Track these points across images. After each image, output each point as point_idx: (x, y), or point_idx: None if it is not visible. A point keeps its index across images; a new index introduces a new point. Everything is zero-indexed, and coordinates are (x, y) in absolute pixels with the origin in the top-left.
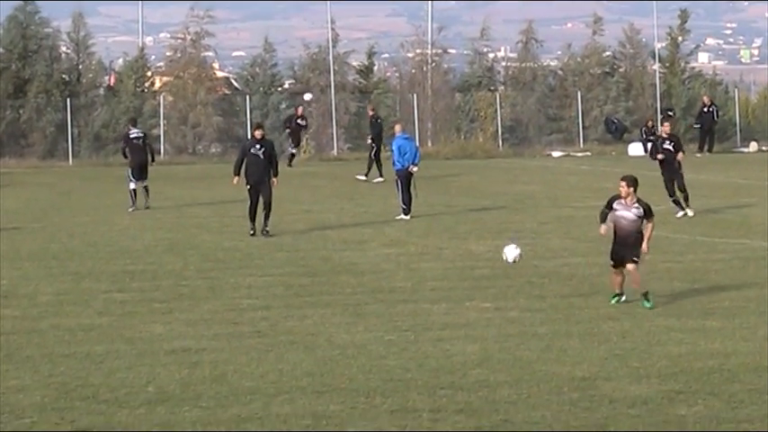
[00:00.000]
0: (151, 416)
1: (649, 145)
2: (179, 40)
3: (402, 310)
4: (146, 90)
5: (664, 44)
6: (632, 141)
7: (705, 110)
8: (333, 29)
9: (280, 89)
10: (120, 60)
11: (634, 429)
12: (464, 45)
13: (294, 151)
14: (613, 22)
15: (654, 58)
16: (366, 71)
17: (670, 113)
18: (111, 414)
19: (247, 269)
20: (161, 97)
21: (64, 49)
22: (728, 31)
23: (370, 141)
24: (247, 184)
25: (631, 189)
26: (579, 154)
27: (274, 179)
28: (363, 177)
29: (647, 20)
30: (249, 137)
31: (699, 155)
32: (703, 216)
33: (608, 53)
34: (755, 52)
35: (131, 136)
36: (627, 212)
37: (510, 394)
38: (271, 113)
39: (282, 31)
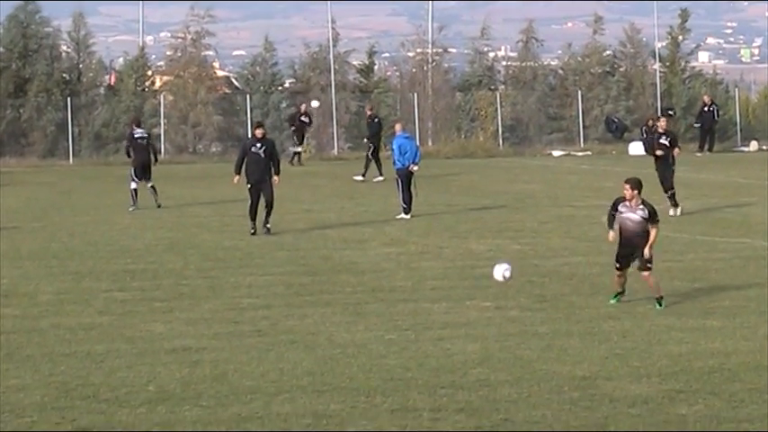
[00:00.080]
0: (152, 415)
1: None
2: (179, 40)
3: (402, 310)
4: (146, 89)
5: (664, 43)
6: (633, 140)
7: (705, 109)
8: (333, 28)
9: (280, 88)
10: (121, 60)
11: (634, 429)
12: (464, 44)
13: (299, 150)
14: (614, 21)
15: (654, 57)
16: (366, 70)
17: (670, 113)
18: (111, 413)
19: (248, 268)
20: (161, 96)
21: (64, 48)
22: (729, 31)
23: (365, 141)
24: (248, 183)
25: (636, 192)
26: (580, 153)
27: (276, 178)
28: (360, 178)
29: (647, 19)
30: (250, 136)
31: (699, 154)
32: (704, 215)
33: (608, 52)
34: (756, 51)
35: (135, 136)
36: (632, 214)
37: (510, 393)
38: (271, 113)
39: (283, 31)
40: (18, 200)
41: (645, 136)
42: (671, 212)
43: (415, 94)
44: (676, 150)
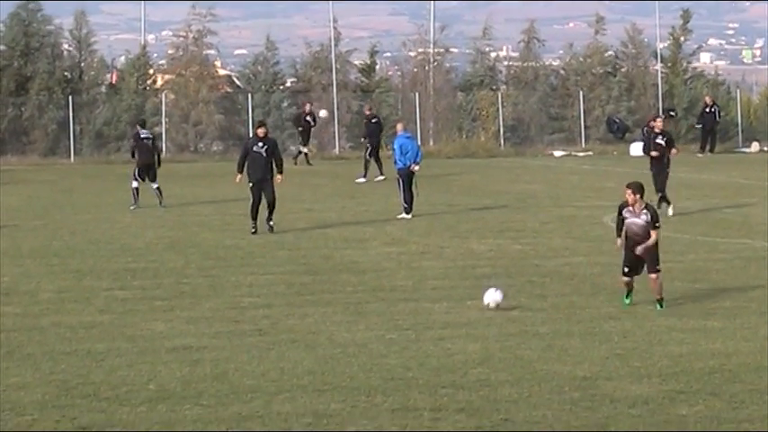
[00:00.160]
0: (152, 414)
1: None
2: (181, 38)
3: (403, 309)
4: (148, 88)
5: (666, 44)
6: (634, 141)
7: (707, 110)
8: (335, 27)
9: (281, 87)
10: (123, 58)
11: (635, 429)
12: (466, 44)
13: (305, 150)
14: (615, 21)
15: (656, 57)
16: (368, 70)
17: (672, 113)
18: (111, 412)
19: (249, 267)
20: (163, 95)
21: (66, 46)
22: (730, 32)
23: (362, 141)
24: (250, 181)
25: (638, 196)
26: (581, 153)
27: (279, 176)
28: (363, 180)
29: (649, 20)
30: (251, 135)
31: (700, 155)
32: (705, 216)
33: (610, 53)
34: (757, 53)
35: (141, 136)
36: (636, 219)
37: (511, 393)
38: (272, 112)
39: (284, 30)
40: (19, 198)
41: (645, 136)
42: (669, 212)
43: (417, 94)
44: (673, 151)
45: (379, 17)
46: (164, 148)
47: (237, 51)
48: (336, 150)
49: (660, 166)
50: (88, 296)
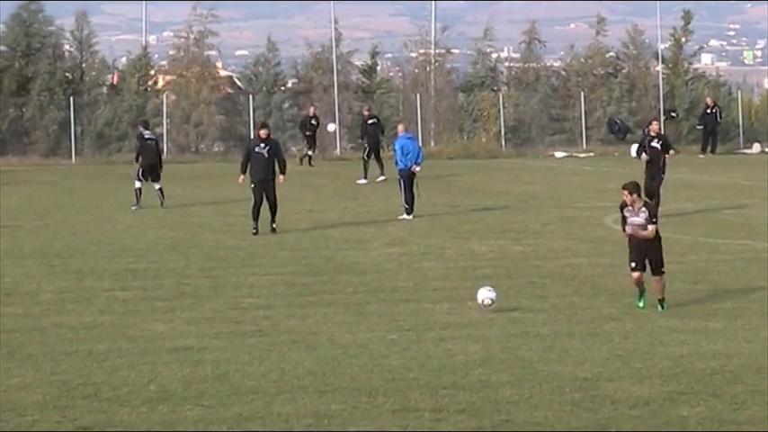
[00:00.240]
0: (153, 414)
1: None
2: (182, 39)
3: (404, 310)
4: (149, 89)
5: (667, 45)
6: (635, 142)
7: (708, 111)
8: (336, 28)
9: (283, 88)
10: (124, 59)
11: (636, 430)
12: (467, 45)
13: (310, 153)
14: (616, 22)
15: (657, 58)
16: (369, 71)
17: (673, 115)
18: (112, 412)
19: (249, 268)
20: (164, 96)
21: (67, 47)
22: (732, 33)
23: (360, 141)
24: (252, 182)
25: (634, 195)
26: (582, 154)
27: (282, 177)
28: (364, 181)
29: (650, 21)
30: (253, 136)
31: (702, 156)
32: (706, 217)
33: (611, 54)
34: (759, 54)
35: (146, 136)
36: (636, 218)
37: (512, 394)
38: (273, 113)
39: (285, 31)
40: (20, 198)
41: (640, 139)
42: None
43: (418, 95)
44: (671, 152)
45: (380, 18)
46: (165, 149)
47: (238, 52)
48: (337, 151)
49: (655, 170)
50: (89, 297)
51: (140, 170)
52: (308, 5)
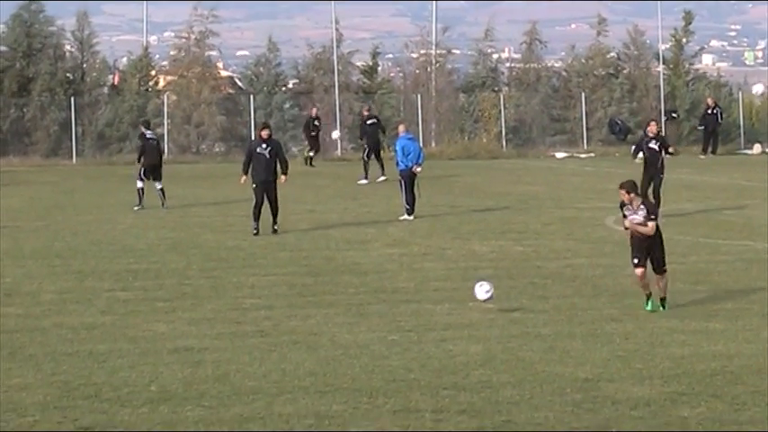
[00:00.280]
0: (153, 415)
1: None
2: (183, 40)
3: (405, 311)
4: (150, 89)
5: (668, 46)
6: (635, 143)
7: (709, 111)
8: (337, 29)
9: (284, 89)
10: (125, 59)
11: (636, 431)
12: (468, 45)
13: (312, 154)
14: (617, 23)
15: (658, 59)
16: (370, 71)
17: (674, 115)
18: (113, 413)
19: (250, 269)
20: (165, 96)
21: (68, 47)
22: (732, 33)
23: (360, 142)
24: (253, 183)
25: (632, 194)
26: (583, 155)
27: (284, 177)
28: (364, 181)
29: (651, 21)
30: (254, 137)
31: (702, 156)
32: (706, 217)
33: (612, 54)
34: (759, 54)
35: (147, 136)
36: (635, 216)
37: (513, 395)
38: (274, 113)
39: (286, 31)
40: (21, 199)
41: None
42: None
43: (419, 96)
44: (671, 149)
45: (381, 18)
46: (166, 150)
47: (239, 52)
48: (338, 152)
49: (653, 171)
50: (90, 297)
51: (142, 170)
52: (308, 6)
